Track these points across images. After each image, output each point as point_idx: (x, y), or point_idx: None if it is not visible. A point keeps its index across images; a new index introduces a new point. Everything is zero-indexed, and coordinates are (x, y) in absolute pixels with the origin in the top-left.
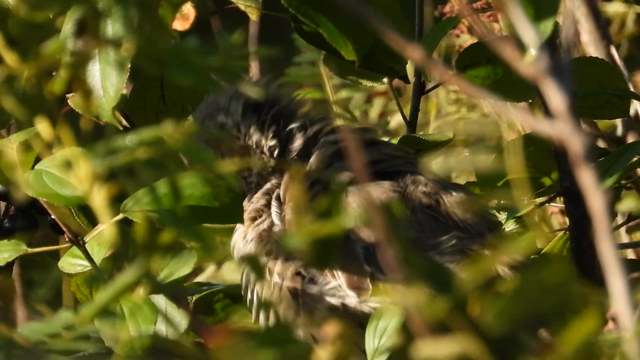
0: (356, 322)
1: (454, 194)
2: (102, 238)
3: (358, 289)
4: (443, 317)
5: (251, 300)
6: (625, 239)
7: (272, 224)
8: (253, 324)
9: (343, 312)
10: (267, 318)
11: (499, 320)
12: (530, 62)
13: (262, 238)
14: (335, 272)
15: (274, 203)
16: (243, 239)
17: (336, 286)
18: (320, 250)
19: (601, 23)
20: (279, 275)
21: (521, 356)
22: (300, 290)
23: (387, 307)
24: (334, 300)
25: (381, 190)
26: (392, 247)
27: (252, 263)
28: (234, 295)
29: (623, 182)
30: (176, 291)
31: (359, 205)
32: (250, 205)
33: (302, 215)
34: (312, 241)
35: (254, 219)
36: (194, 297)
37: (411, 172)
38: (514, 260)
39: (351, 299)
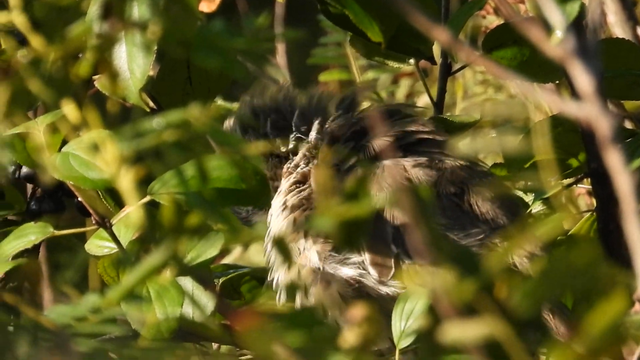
0: (372, 301)
1: (479, 182)
2: (129, 220)
3: (380, 268)
4: (470, 299)
5: (276, 282)
6: None
7: (298, 207)
8: (279, 306)
9: (359, 289)
10: (293, 300)
11: (525, 302)
12: (556, 43)
13: (290, 221)
14: (361, 249)
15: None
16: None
17: (359, 261)
18: (347, 232)
19: (627, 4)
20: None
21: (548, 338)
22: (321, 261)
23: (414, 289)
24: (351, 272)
25: (411, 168)
26: (420, 229)
27: (280, 245)
28: (261, 278)
29: None
30: (203, 273)
31: (389, 186)
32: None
33: (329, 197)
34: (339, 223)
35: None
36: (221, 280)
37: (439, 153)
38: (533, 249)
39: (370, 277)
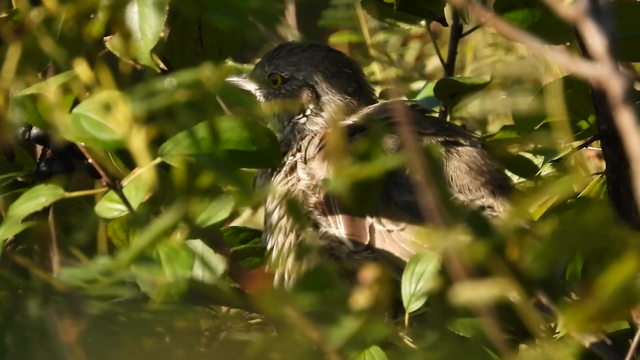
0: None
1: (460, 156)
2: (139, 182)
3: (356, 238)
4: (482, 261)
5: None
6: None
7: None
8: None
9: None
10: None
11: (537, 264)
12: (569, 3)
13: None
14: (336, 218)
15: (300, 160)
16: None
17: (335, 234)
18: (360, 192)
19: None
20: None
21: (560, 299)
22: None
23: (424, 251)
24: (323, 242)
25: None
26: (431, 191)
27: (294, 210)
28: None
29: None
30: (213, 236)
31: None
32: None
33: (341, 159)
34: (352, 184)
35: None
36: (231, 249)
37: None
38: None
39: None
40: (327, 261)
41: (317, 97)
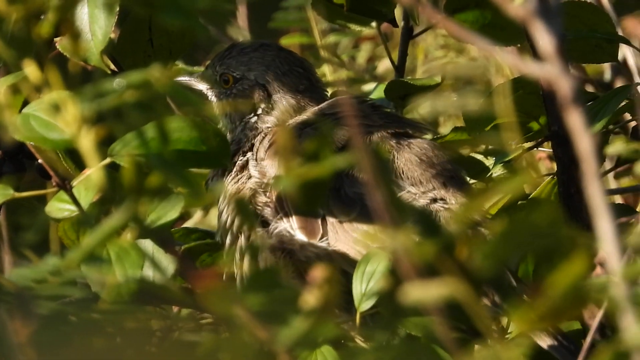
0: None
1: (411, 148)
2: (89, 182)
3: (308, 231)
4: (431, 260)
5: (232, 244)
6: (613, 184)
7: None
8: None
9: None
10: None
11: (487, 263)
12: (519, 4)
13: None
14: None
15: (251, 158)
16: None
17: (284, 228)
18: (308, 192)
19: None
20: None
21: (509, 298)
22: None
23: (375, 251)
24: (273, 240)
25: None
26: (379, 190)
27: (242, 209)
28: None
29: (611, 126)
30: (164, 236)
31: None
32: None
33: (289, 159)
34: (301, 184)
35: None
36: (183, 247)
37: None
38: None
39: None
40: (280, 257)
41: (268, 96)
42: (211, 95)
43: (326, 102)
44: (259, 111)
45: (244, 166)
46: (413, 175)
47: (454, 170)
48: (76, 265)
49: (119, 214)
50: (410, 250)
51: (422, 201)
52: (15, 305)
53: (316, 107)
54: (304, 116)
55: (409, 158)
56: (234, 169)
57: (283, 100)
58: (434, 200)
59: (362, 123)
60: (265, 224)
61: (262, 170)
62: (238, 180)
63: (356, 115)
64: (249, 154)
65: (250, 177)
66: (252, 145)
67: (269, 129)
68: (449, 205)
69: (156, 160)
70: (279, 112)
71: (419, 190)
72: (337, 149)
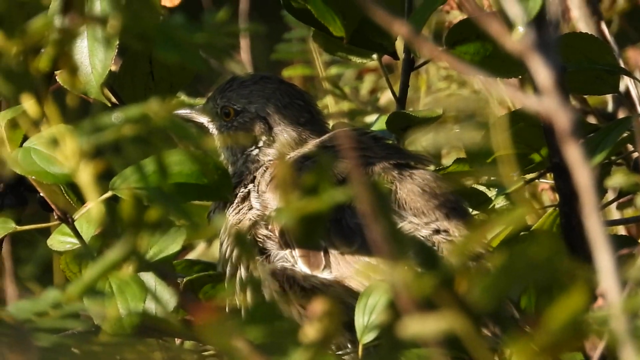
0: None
1: (413, 179)
2: (90, 216)
3: (311, 261)
4: (430, 293)
5: (232, 276)
6: (616, 215)
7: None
8: (238, 301)
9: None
10: (253, 295)
11: (486, 296)
12: (517, 38)
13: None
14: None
15: (253, 190)
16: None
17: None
18: (307, 225)
19: None
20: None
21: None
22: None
23: (377, 284)
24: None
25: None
26: (379, 224)
27: (241, 240)
28: (221, 277)
29: (613, 158)
30: (165, 269)
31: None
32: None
33: (289, 192)
34: (299, 218)
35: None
36: (184, 279)
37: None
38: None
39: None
40: (282, 285)
41: (269, 129)
42: (212, 128)
43: (327, 135)
44: (260, 144)
45: (245, 197)
46: (415, 206)
47: (457, 202)
48: (78, 298)
49: (120, 247)
50: (409, 283)
51: (424, 232)
52: (14, 339)
53: (317, 140)
54: (305, 149)
55: (411, 189)
56: (236, 201)
57: (284, 133)
58: (437, 231)
59: (363, 155)
60: (265, 255)
61: (263, 203)
62: (239, 211)
63: (357, 147)
64: (251, 186)
65: (251, 208)
66: (254, 177)
67: (271, 162)
68: (451, 236)
69: (156, 193)
70: (280, 144)
71: (421, 221)
72: (337, 182)
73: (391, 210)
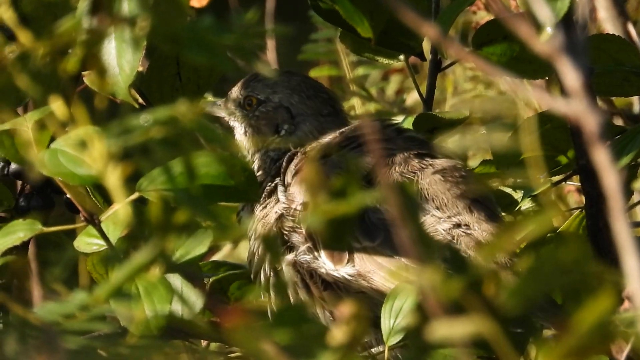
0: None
1: (435, 168)
2: (117, 217)
3: (334, 256)
4: (458, 296)
5: (262, 279)
6: None
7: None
8: (265, 303)
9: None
10: (279, 296)
11: (513, 300)
12: (545, 39)
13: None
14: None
15: (279, 183)
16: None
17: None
18: (335, 228)
19: (618, 0)
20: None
21: (536, 335)
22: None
23: (403, 286)
24: (291, 256)
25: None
26: (406, 227)
27: (268, 242)
28: (250, 275)
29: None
30: (192, 271)
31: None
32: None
33: (317, 194)
34: (327, 220)
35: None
36: (211, 279)
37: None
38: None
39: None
40: (304, 278)
41: (291, 117)
42: (232, 121)
43: (350, 126)
44: (282, 132)
45: (272, 191)
46: (437, 197)
47: (480, 192)
48: (105, 300)
49: (147, 249)
50: (437, 286)
51: (445, 225)
52: (42, 340)
53: (339, 131)
54: (327, 139)
55: (433, 178)
56: (263, 195)
57: (306, 122)
58: (457, 225)
59: (385, 147)
60: (291, 248)
61: (289, 196)
62: (266, 205)
63: (379, 139)
64: (277, 180)
65: (277, 201)
66: (279, 168)
67: (294, 152)
68: (472, 230)
69: (183, 195)
70: (302, 133)
71: (443, 214)
72: (361, 178)
73: (419, 214)
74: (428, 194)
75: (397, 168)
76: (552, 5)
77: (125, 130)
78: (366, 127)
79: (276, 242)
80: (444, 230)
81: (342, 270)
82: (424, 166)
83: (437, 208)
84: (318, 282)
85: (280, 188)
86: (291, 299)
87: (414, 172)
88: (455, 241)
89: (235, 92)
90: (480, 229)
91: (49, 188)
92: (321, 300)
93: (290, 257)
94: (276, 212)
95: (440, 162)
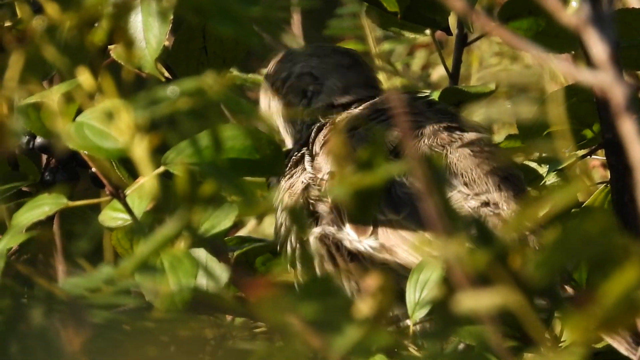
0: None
1: (464, 142)
2: (143, 191)
3: (359, 227)
4: (484, 269)
5: (288, 251)
6: None
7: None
8: (290, 276)
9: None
10: (305, 268)
11: (540, 272)
12: (572, 12)
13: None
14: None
15: (306, 152)
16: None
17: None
18: (361, 200)
19: None
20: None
21: (561, 307)
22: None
23: (428, 259)
24: (318, 229)
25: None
26: (433, 199)
27: (295, 214)
28: (275, 250)
29: None
30: (217, 245)
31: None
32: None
33: (343, 166)
34: (353, 192)
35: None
36: (235, 253)
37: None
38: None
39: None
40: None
41: (315, 78)
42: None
43: (378, 98)
44: (308, 94)
45: (299, 161)
46: (466, 172)
47: (509, 169)
48: (130, 274)
49: (172, 223)
50: (463, 259)
51: (472, 203)
52: (68, 314)
53: (368, 103)
54: (356, 110)
55: (462, 153)
56: (289, 165)
57: (330, 78)
58: (486, 203)
59: (414, 120)
60: (317, 220)
61: (316, 165)
62: (292, 175)
63: (409, 112)
64: (304, 149)
65: (304, 170)
66: (308, 137)
67: (324, 123)
68: (500, 210)
69: (210, 168)
70: (327, 89)
71: (471, 191)
72: (389, 151)
73: (446, 187)
74: (457, 169)
75: (426, 141)
76: None
77: (153, 102)
78: (395, 100)
79: (302, 214)
80: (471, 208)
81: (365, 241)
82: (453, 140)
83: (466, 184)
84: (344, 253)
85: (307, 158)
86: (317, 271)
87: (443, 146)
88: (482, 219)
89: (264, 87)
90: (509, 208)
91: (74, 162)
92: (347, 272)
93: (317, 229)
94: (302, 182)
95: (469, 136)
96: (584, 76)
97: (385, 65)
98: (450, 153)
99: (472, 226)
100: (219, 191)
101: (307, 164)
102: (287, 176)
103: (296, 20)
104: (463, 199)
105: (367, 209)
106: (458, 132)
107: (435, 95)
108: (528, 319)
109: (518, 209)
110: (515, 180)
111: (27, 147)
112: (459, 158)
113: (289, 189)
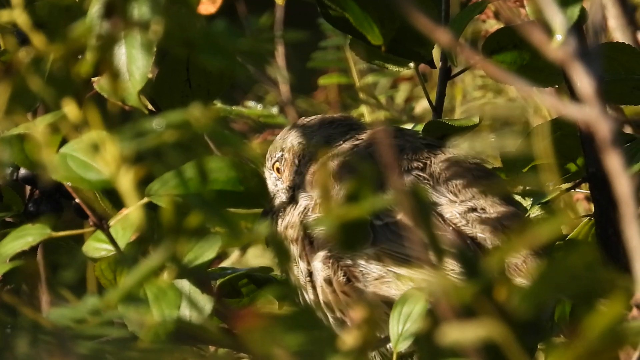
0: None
1: (446, 154)
2: (126, 222)
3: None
4: (469, 301)
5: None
6: None
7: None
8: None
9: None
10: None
11: (525, 305)
12: (557, 46)
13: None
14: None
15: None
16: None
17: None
18: (348, 233)
19: (628, 9)
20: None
21: (546, 340)
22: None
23: (412, 292)
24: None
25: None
26: (419, 231)
27: (278, 246)
28: (259, 280)
29: None
30: (201, 276)
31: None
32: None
33: (329, 200)
34: (340, 225)
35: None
36: (218, 282)
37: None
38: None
39: None
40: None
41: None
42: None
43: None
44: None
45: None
46: (449, 180)
47: (489, 174)
48: (114, 305)
49: (156, 254)
50: (448, 291)
51: (459, 208)
52: (55, 345)
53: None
54: (344, 145)
55: (446, 163)
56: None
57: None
58: (472, 209)
59: (396, 143)
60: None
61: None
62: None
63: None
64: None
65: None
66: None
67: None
68: (486, 214)
69: (195, 200)
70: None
71: (457, 198)
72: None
73: (432, 218)
74: (440, 177)
75: (408, 156)
76: (563, 12)
77: (138, 134)
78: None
79: (285, 247)
80: (458, 213)
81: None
82: (434, 154)
83: (451, 192)
84: (340, 276)
85: (302, 194)
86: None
87: (425, 161)
88: (470, 225)
89: (267, 174)
90: (495, 212)
91: (57, 193)
92: (343, 294)
93: (318, 254)
94: (298, 214)
95: (450, 150)
96: (569, 110)
97: (368, 98)
98: (433, 164)
99: (458, 257)
100: (203, 222)
101: (301, 199)
102: (284, 217)
103: (280, 51)
104: (450, 205)
105: (355, 241)
106: (439, 150)
107: (419, 129)
108: (512, 351)
109: (503, 241)
110: (497, 183)
111: (10, 178)
112: (443, 168)
113: (287, 226)
